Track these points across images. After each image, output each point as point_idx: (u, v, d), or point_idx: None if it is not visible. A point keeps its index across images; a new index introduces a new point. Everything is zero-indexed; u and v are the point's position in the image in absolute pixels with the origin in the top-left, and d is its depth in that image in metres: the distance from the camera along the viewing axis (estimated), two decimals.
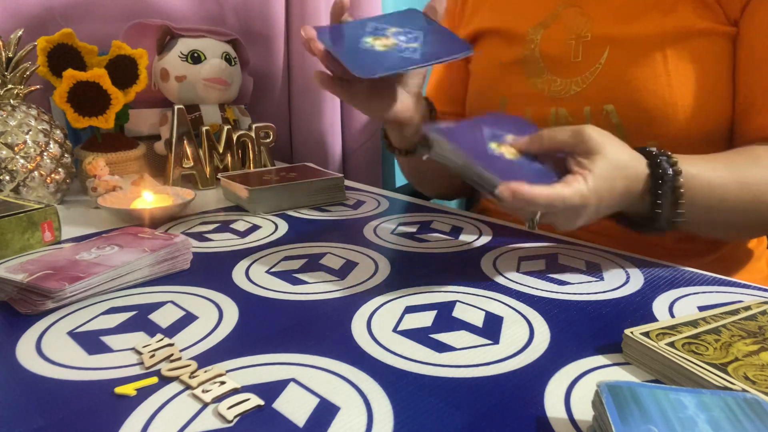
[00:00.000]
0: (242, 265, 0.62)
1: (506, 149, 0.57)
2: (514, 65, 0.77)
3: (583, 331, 0.48)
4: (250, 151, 1.00)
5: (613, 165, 0.53)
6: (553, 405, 0.39)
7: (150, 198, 0.80)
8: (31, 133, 0.80)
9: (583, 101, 0.70)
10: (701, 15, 0.65)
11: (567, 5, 0.73)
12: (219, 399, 0.39)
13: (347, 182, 0.96)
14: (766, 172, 0.61)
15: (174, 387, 0.40)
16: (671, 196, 0.57)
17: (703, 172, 0.59)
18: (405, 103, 0.69)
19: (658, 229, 0.59)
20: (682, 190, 0.56)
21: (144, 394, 0.39)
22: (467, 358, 0.44)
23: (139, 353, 0.44)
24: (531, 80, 0.75)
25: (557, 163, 0.56)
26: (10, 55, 0.80)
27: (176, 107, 0.92)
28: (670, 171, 0.56)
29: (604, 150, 0.53)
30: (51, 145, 0.81)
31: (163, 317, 0.50)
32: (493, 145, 0.57)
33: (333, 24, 0.66)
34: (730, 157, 0.63)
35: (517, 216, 0.58)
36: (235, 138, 0.98)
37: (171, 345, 0.45)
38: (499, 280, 0.59)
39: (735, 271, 0.75)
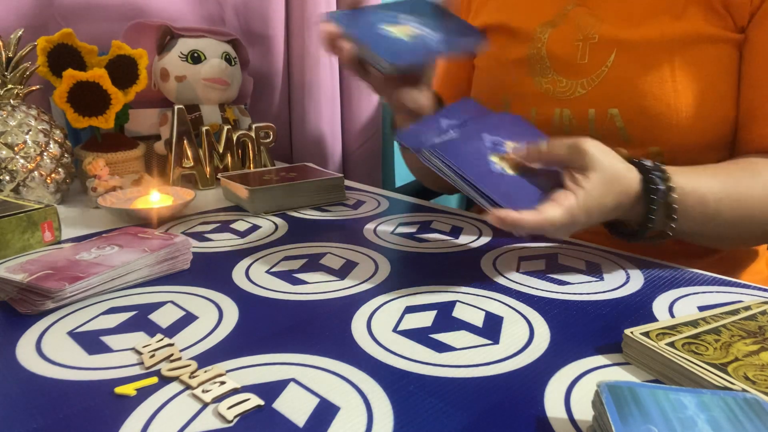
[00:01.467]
0: (242, 265, 0.62)
1: (507, 162, 0.57)
2: (520, 63, 0.76)
3: (583, 331, 0.48)
4: (250, 151, 1.00)
5: (605, 181, 0.54)
6: (553, 405, 0.39)
7: (158, 197, 0.80)
8: (31, 133, 0.80)
9: (588, 104, 0.70)
10: (710, 21, 0.65)
11: (576, 4, 0.73)
12: (219, 399, 0.39)
13: (347, 182, 0.96)
14: (761, 186, 0.61)
15: (174, 387, 0.40)
16: (664, 211, 0.57)
17: (696, 186, 0.58)
18: (425, 94, 0.70)
19: (650, 240, 0.59)
20: (675, 206, 0.57)
21: (144, 394, 0.39)
22: (467, 358, 0.44)
23: (139, 353, 0.44)
24: (536, 79, 0.75)
25: (554, 175, 0.56)
26: (10, 55, 0.80)
27: (176, 107, 0.92)
28: (662, 186, 0.56)
29: (599, 166, 0.54)
30: (51, 145, 0.82)
31: (163, 317, 0.50)
32: (494, 159, 0.57)
33: (343, 11, 0.65)
34: (726, 170, 0.62)
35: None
36: (235, 138, 0.98)
37: (171, 345, 0.45)
38: (499, 280, 0.59)
39: (735, 272, 0.75)
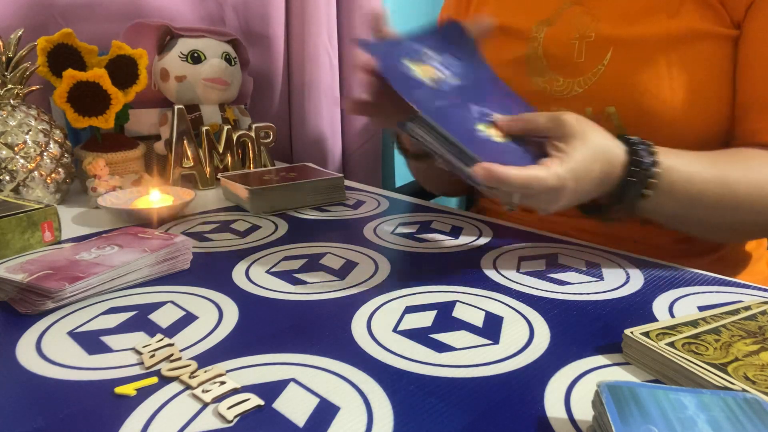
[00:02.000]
0: (242, 265, 0.62)
1: (494, 131, 0.57)
2: (517, 63, 0.76)
3: (583, 331, 0.48)
4: (250, 151, 1.00)
5: (590, 149, 0.54)
6: (553, 405, 0.39)
7: (157, 196, 0.80)
8: (31, 133, 0.80)
9: (585, 102, 0.70)
10: (705, 17, 0.65)
11: (572, 3, 0.73)
12: (219, 399, 0.39)
13: (347, 182, 0.96)
14: (749, 174, 0.61)
15: (174, 387, 0.40)
16: (641, 183, 0.57)
17: (683, 165, 0.59)
18: None
19: (618, 211, 0.59)
20: (654, 180, 0.57)
21: (144, 394, 0.39)
22: (467, 358, 0.44)
23: (139, 353, 0.44)
24: (533, 79, 0.75)
25: (542, 147, 0.57)
26: (10, 55, 0.80)
27: (176, 107, 0.92)
28: (648, 160, 0.56)
29: (581, 135, 0.54)
30: (51, 145, 0.82)
31: (163, 317, 0.50)
32: (480, 127, 0.57)
33: (379, 42, 0.62)
34: (715, 156, 0.63)
35: (497, 198, 0.58)
36: (235, 138, 0.98)
37: (171, 345, 0.45)
38: (499, 280, 0.59)
39: (735, 272, 0.75)
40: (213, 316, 0.51)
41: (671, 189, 0.58)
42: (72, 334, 0.48)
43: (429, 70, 0.60)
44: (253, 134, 1.00)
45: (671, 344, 0.42)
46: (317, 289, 0.56)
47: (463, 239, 0.71)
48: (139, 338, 0.47)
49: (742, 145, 0.66)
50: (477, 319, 0.50)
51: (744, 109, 0.66)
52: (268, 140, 1.02)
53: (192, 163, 0.94)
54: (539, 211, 0.57)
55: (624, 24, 0.68)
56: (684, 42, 0.65)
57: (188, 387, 0.40)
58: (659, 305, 0.53)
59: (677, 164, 0.59)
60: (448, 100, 0.59)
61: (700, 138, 0.67)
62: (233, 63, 1.06)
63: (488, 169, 0.50)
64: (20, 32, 0.81)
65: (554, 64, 0.73)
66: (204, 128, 0.95)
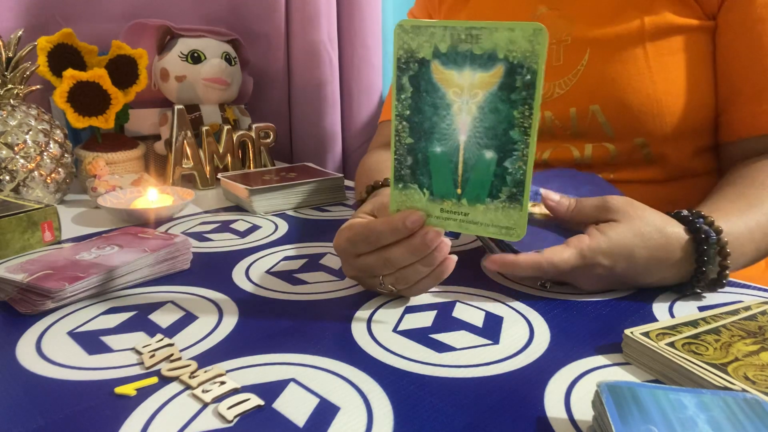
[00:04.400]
0: (242, 265, 0.62)
1: (538, 209, 0.56)
2: None
3: (583, 331, 0.48)
4: (250, 151, 1.00)
5: (633, 231, 0.51)
6: (553, 405, 0.39)
7: (155, 195, 0.80)
8: (31, 133, 0.80)
9: (568, 103, 0.71)
10: (678, 12, 0.66)
11: (546, 8, 0.73)
12: (219, 399, 0.39)
13: (347, 182, 0.96)
14: None
15: (174, 387, 0.40)
16: (718, 258, 0.53)
17: (740, 223, 0.56)
18: None
19: (702, 289, 0.55)
20: (728, 249, 0.52)
21: (144, 394, 0.39)
22: (467, 358, 0.44)
23: (139, 353, 0.44)
24: None
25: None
26: (10, 55, 0.80)
27: (176, 107, 0.92)
28: (712, 233, 0.52)
29: (627, 218, 0.52)
30: (51, 145, 0.82)
31: (163, 317, 0.50)
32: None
33: None
34: (748, 194, 0.60)
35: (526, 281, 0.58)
36: (235, 138, 0.98)
37: (171, 345, 0.45)
38: (499, 280, 0.59)
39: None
40: (213, 316, 0.51)
41: (741, 250, 0.55)
42: (72, 334, 0.48)
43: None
44: (253, 134, 1.00)
45: (671, 344, 0.42)
46: (317, 289, 0.56)
47: (462, 239, 0.71)
48: (139, 338, 0.47)
49: (734, 132, 0.67)
50: (477, 319, 0.50)
51: (733, 95, 0.67)
52: (268, 140, 1.02)
53: (192, 163, 0.94)
54: (581, 287, 0.54)
55: (598, 24, 0.69)
56: (658, 36, 0.66)
57: (188, 387, 0.40)
58: (659, 305, 0.53)
59: (734, 225, 0.55)
60: None
61: (686, 128, 0.67)
62: (233, 63, 1.06)
63: (498, 262, 0.51)
64: (20, 32, 0.81)
65: None
66: (204, 128, 0.95)
